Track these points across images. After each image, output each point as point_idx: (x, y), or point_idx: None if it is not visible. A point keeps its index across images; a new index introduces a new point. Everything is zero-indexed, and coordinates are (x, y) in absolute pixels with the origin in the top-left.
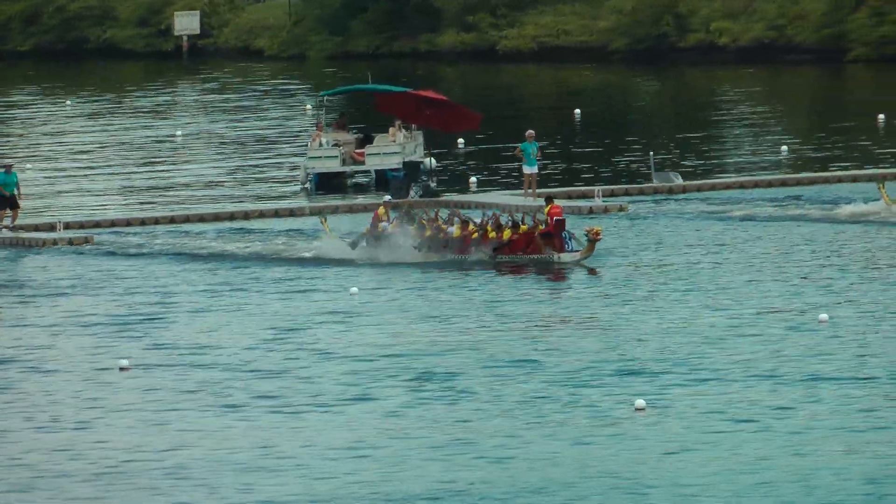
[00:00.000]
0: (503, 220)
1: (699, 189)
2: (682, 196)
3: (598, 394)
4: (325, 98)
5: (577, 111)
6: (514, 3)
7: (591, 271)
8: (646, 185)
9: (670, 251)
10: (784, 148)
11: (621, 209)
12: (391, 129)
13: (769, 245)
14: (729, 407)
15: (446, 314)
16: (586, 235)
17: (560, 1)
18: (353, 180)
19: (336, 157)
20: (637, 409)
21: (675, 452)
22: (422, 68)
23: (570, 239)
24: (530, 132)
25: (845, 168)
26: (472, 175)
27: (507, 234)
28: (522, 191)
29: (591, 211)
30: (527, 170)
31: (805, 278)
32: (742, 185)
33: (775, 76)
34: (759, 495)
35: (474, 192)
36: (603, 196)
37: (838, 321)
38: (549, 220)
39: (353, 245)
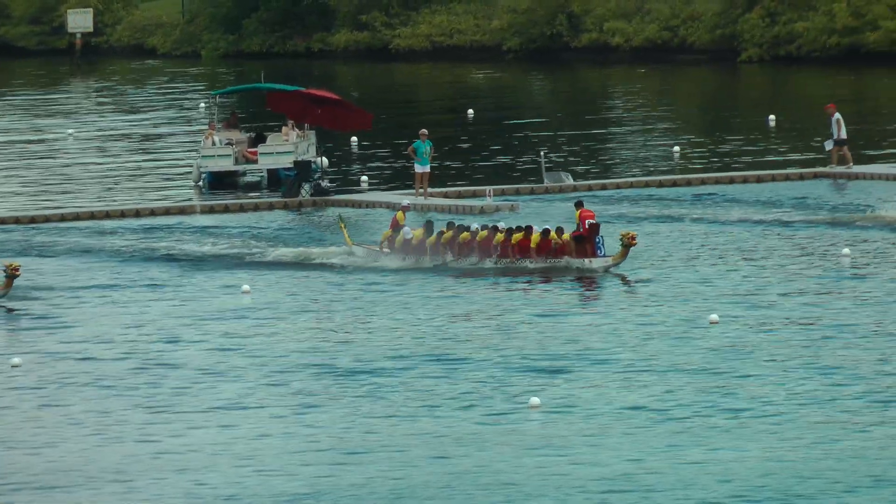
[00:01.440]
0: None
1: (590, 189)
2: (573, 196)
3: (494, 391)
4: (217, 97)
5: (470, 111)
6: (407, 2)
7: (623, 278)
8: (537, 184)
9: None
10: (676, 148)
11: (512, 209)
12: (284, 129)
13: (660, 244)
14: (620, 404)
15: (338, 313)
16: (621, 240)
17: (454, 0)
18: (246, 179)
19: (229, 155)
20: (532, 407)
21: (565, 449)
22: (316, 67)
23: (602, 244)
24: (423, 131)
25: (737, 168)
26: (364, 174)
27: (535, 237)
28: (414, 190)
29: (482, 210)
30: (418, 168)
31: (695, 277)
32: (632, 185)
33: (668, 76)
34: (643, 493)
35: (366, 191)
36: (494, 195)
37: (729, 321)
38: (580, 224)
39: (380, 251)
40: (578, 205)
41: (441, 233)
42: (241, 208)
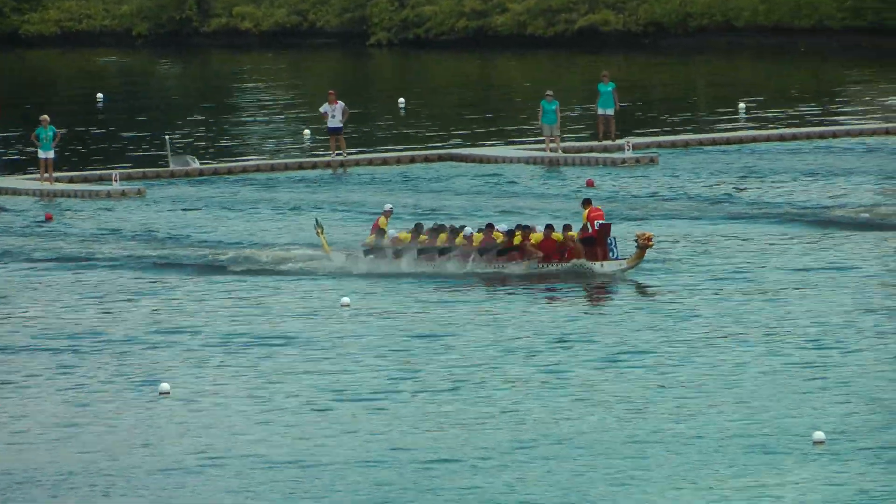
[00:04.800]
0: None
1: (216, 172)
2: (200, 179)
3: (123, 377)
4: None
5: (100, 95)
6: None
7: (640, 288)
8: (163, 168)
9: (196, 234)
10: (306, 131)
11: (139, 193)
12: None
13: (301, 228)
14: (256, 389)
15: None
16: (636, 241)
17: None
18: None
19: None
20: (161, 393)
21: (196, 435)
22: None
23: (614, 246)
24: (44, 117)
25: (374, 151)
26: None
27: (535, 237)
28: (39, 176)
29: (108, 195)
30: (41, 155)
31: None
32: (259, 169)
33: (298, 61)
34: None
35: None
36: (120, 180)
37: (358, 304)
38: (589, 224)
39: (364, 256)
40: (586, 203)
41: (434, 230)
42: None
